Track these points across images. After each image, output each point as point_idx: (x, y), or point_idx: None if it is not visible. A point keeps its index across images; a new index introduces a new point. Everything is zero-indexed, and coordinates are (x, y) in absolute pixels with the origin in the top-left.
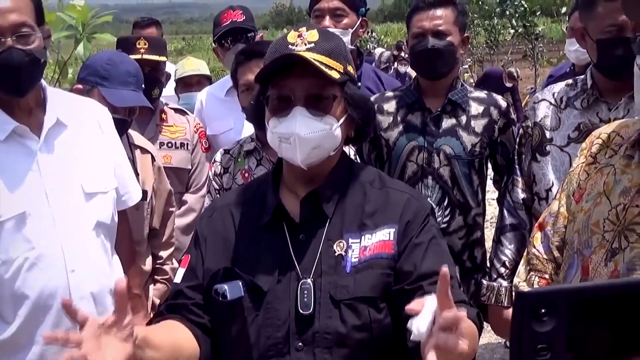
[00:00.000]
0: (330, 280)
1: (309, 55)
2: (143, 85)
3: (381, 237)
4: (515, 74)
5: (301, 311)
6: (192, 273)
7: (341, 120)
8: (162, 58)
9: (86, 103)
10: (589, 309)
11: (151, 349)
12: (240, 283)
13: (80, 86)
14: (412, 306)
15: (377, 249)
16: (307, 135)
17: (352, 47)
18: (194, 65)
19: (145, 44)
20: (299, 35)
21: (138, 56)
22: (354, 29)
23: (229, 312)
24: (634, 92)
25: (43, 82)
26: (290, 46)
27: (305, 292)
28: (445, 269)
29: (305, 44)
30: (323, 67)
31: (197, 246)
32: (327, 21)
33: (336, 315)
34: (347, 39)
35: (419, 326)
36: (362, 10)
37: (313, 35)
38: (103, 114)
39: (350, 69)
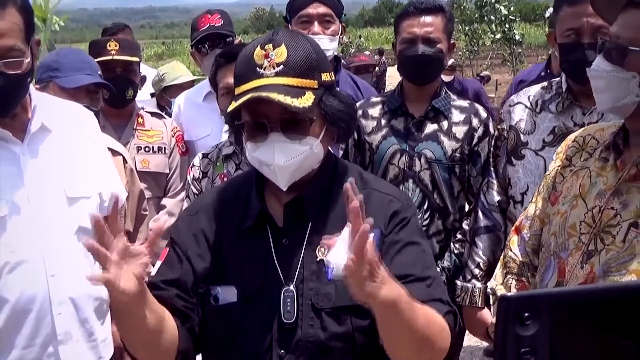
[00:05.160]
0: (312, 287)
1: (279, 81)
2: (100, 73)
3: None
4: (451, 64)
5: (284, 320)
6: (169, 267)
7: (321, 136)
8: (134, 58)
9: (72, 108)
10: (573, 313)
11: (147, 307)
12: (235, 288)
13: (37, 86)
14: (325, 241)
15: None
16: (286, 162)
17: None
18: (185, 70)
19: (115, 45)
20: (266, 56)
21: (109, 57)
22: (339, 35)
23: (218, 316)
24: (593, 92)
25: (30, 86)
26: (258, 69)
27: (288, 300)
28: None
29: (274, 67)
30: (290, 100)
31: (177, 243)
32: (317, 27)
33: (318, 324)
34: (335, 45)
35: (335, 260)
36: (344, 17)
37: (281, 53)
38: (89, 119)
39: (326, 76)
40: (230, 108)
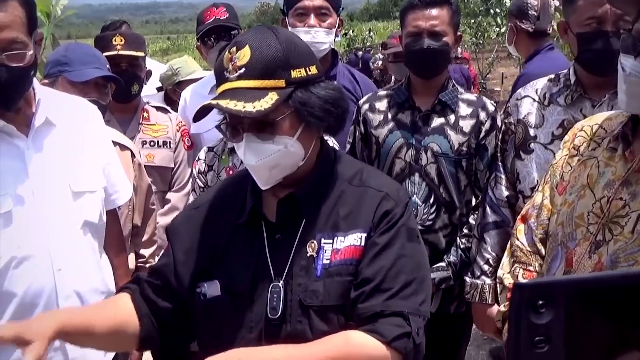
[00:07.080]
0: (301, 283)
1: (240, 84)
2: (108, 66)
3: (352, 242)
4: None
5: (269, 315)
6: (164, 258)
7: (297, 134)
8: (139, 53)
9: (76, 102)
10: (588, 300)
11: (90, 338)
12: (218, 282)
13: (46, 81)
14: None
15: (347, 253)
16: (258, 162)
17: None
18: (197, 65)
19: (121, 40)
20: (230, 59)
21: (114, 52)
22: (335, 28)
23: (206, 311)
24: (617, 89)
25: (34, 80)
26: (225, 73)
27: (275, 295)
28: None
29: (236, 70)
30: (243, 105)
31: (169, 237)
32: (313, 20)
33: (305, 321)
34: (331, 38)
35: None
36: (341, 11)
37: (244, 56)
38: (93, 113)
39: (297, 73)
40: (195, 116)
